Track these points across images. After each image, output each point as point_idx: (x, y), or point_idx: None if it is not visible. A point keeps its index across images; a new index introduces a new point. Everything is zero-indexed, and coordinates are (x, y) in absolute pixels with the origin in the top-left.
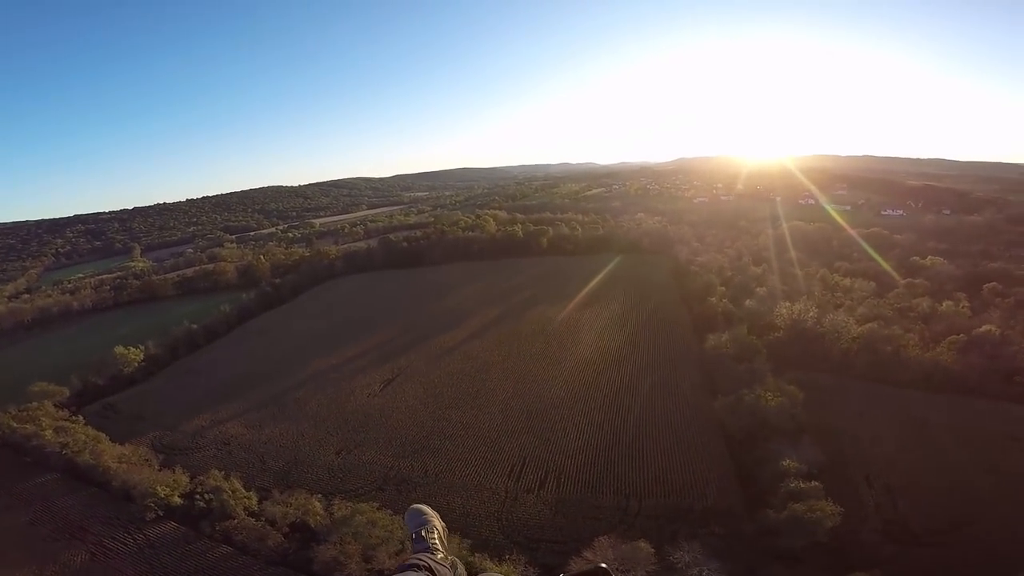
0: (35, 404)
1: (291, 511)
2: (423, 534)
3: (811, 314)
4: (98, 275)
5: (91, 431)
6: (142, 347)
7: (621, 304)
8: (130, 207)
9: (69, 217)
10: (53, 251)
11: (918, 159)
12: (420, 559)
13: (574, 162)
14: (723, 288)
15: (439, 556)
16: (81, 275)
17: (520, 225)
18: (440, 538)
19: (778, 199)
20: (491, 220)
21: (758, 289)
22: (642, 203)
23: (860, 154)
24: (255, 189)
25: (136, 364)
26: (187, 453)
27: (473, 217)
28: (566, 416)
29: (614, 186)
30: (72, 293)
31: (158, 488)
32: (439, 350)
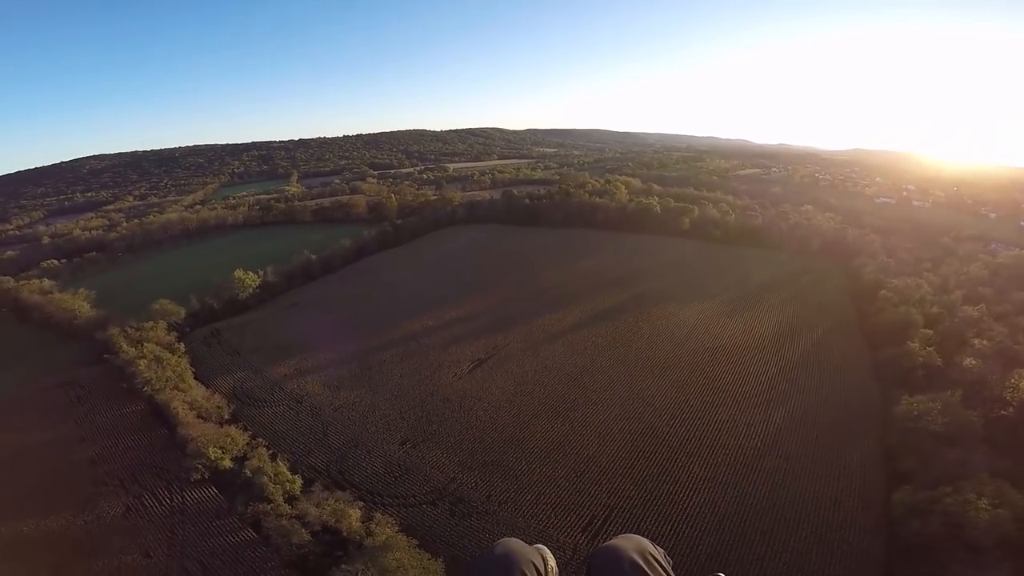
0: (150, 324)
1: (325, 514)
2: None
3: None
4: (258, 195)
5: (183, 364)
6: (261, 272)
7: (777, 322)
8: (296, 139)
9: (247, 143)
10: (230, 171)
11: None
12: None
13: (724, 137)
14: (927, 330)
15: None
16: (245, 193)
17: (657, 198)
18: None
19: (991, 215)
20: (622, 187)
21: (976, 341)
22: (809, 193)
23: None
24: (402, 131)
25: (251, 290)
26: (260, 405)
27: (602, 181)
28: (681, 463)
29: (773, 169)
30: (233, 209)
31: (210, 449)
32: (541, 334)
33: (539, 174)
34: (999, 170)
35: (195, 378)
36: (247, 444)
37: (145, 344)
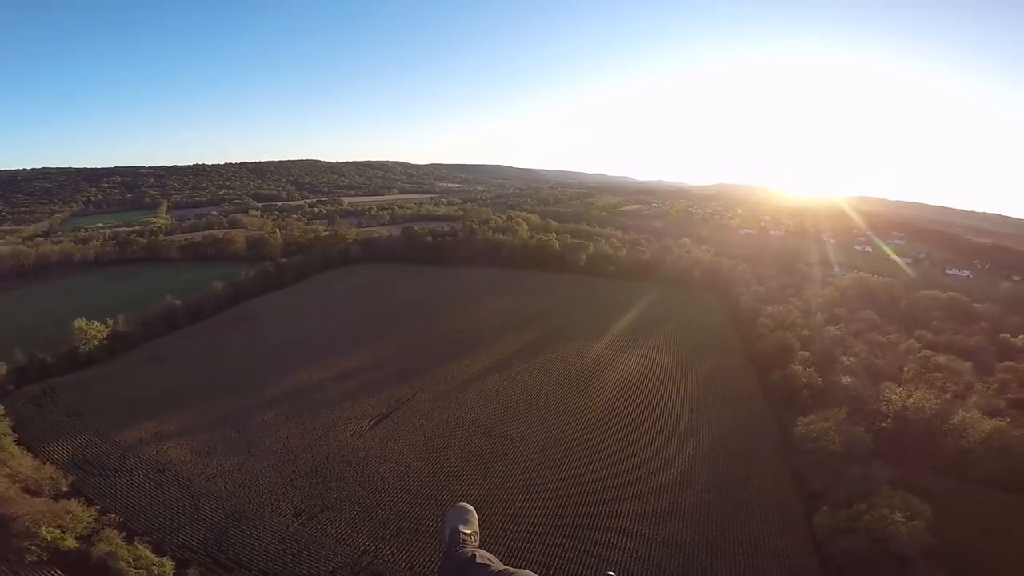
0: None
1: None
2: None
3: (932, 404)
4: (116, 227)
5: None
6: (109, 322)
7: (673, 353)
8: (168, 164)
9: (108, 168)
10: (85, 199)
11: (972, 212)
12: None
13: (610, 174)
14: (804, 352)
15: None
16: (101, 224)
17: (555, 235)
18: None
19: (831, 241)
20: (523, 224)
21: (844, 359)
22: (685, 227)
23: (909, 200)
24: (292, 160)
25: (97, 342)
26: (110, 475)
27: (504, 218)
28: (608, 507)
29: (653, 204)
30: (84, 243)
31: (43, 529)
32: (450, 382)
33: (442, 210)
34: (831, 199)
35: (18, 444)
36: (95, 520)
37: None
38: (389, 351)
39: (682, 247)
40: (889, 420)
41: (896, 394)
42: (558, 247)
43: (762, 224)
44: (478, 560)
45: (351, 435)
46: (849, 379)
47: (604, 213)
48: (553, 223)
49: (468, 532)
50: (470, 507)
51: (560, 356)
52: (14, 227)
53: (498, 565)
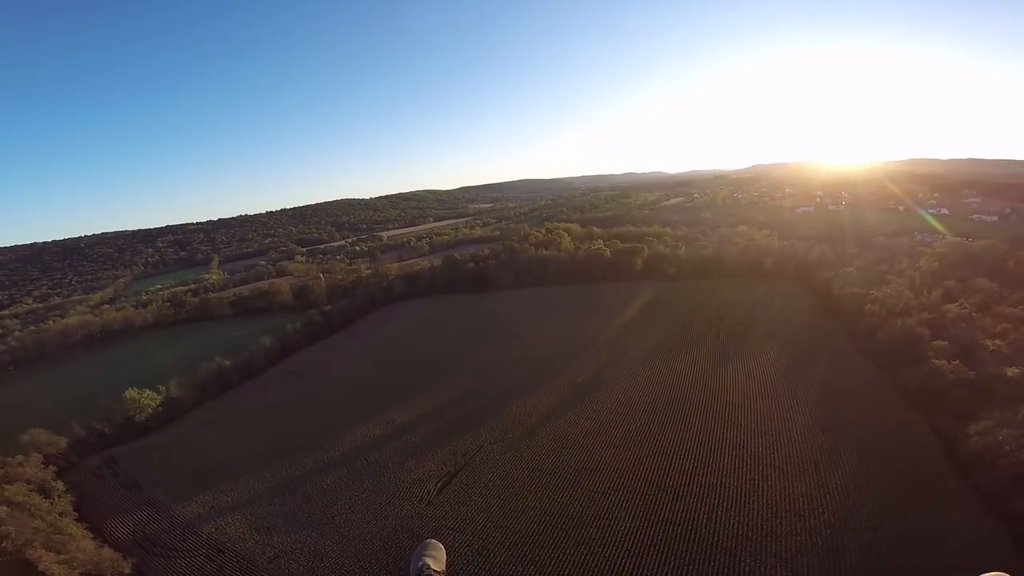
0: (18, 458)
1: None
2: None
3: None
4: (174, 287)
5: (61, 507)
6: (163, 389)
7: (775, 361)
8: (214, 219)
9: (160, 228)
10: (143, 260)
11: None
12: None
13: (640, 171)
14: (940, 342)
15: None
16: (159, 286)
17: (603, 241)
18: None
19: (899, 208)
20: (566, 235)
21: (989, 343)
22: (736, 214)
23: (963, 156)
24: (329, 202)
25: (151, 410)
26: (171, 556)
27: (544, 231)
28: (748, 570)
29: (695, 195)
30: (144, 307)
31: None
32: (518, 427)
33: (479, 232)
34: (878, 165)
35: (80, 521)
36: None
37: (6, 487)
38: (446, 396)
39: (742, 235)
40: None
41: None
42: (609, 255)
43: (817, 200)
44: None
45: (417, 502)
46: (1016, 369)
47: (646, 211)
48: (595, 229)
49: (438, 570)
50: (439, 544)
51: (641, 380)
52: (84, 295)
53: None
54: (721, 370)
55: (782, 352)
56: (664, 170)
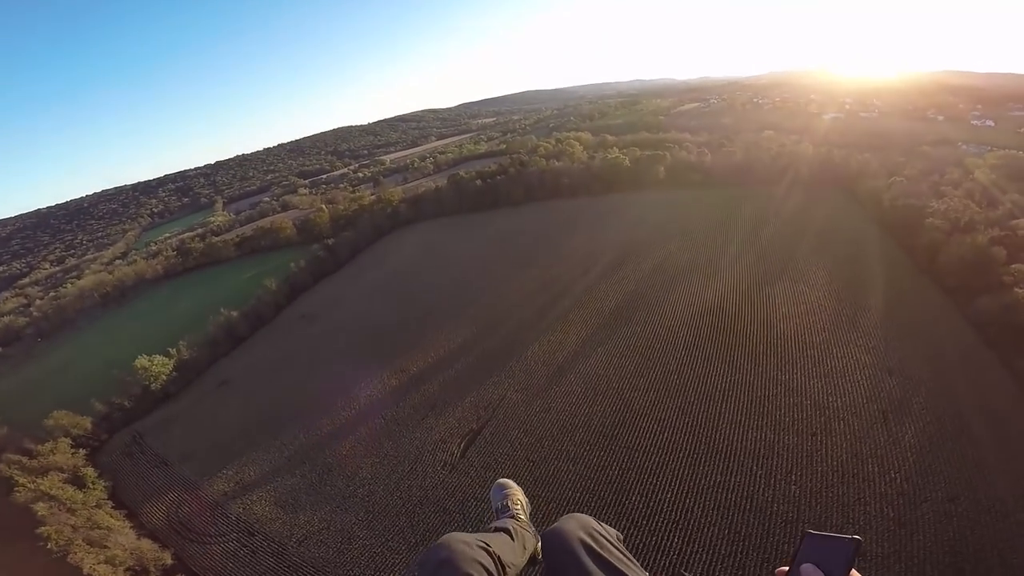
0: (47, 445)
1: None
2: (508, 504)
3: None
4: (182, 233)
5: (95, 497)
6: (173, 353)
7: (827, 285)
8: (212, 161)
9: (160, 178)
10: (148, 211)
11: None
12: (505, 524)
13: (648, 78)
14: (1019, 265)
15: (523, 522)
16: (167, 234)
17: (619, 150)
18: (523, 508)
19: (940, 118)
20: (577, 144)
21: None
22: (759, 119)
23: (1002, 71)
24: (326, 132)
25: (165, 377)
26: (205, 543)
27: (553, 142)
28: None
29: (711, 100)
30: (153, 257)
31: None
32: (543, 370)
33: (484, 147)
34: (902, 76)
35: (117, 508)
36: None
37: (41, 479)
38: (461, 335)
39: (772, 141)
40: None
41: None
42: (628, 163)
43: (847, 107)
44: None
45: (441, 467)
46: None
47: (660, 117)
48: (609, 137)
49: (515, 507)
50: (509, 482)
51: (676, 306)
52: (97, 253)
53: None
54: (766, 293)
55: (833, 273)
56: (674, 76)
